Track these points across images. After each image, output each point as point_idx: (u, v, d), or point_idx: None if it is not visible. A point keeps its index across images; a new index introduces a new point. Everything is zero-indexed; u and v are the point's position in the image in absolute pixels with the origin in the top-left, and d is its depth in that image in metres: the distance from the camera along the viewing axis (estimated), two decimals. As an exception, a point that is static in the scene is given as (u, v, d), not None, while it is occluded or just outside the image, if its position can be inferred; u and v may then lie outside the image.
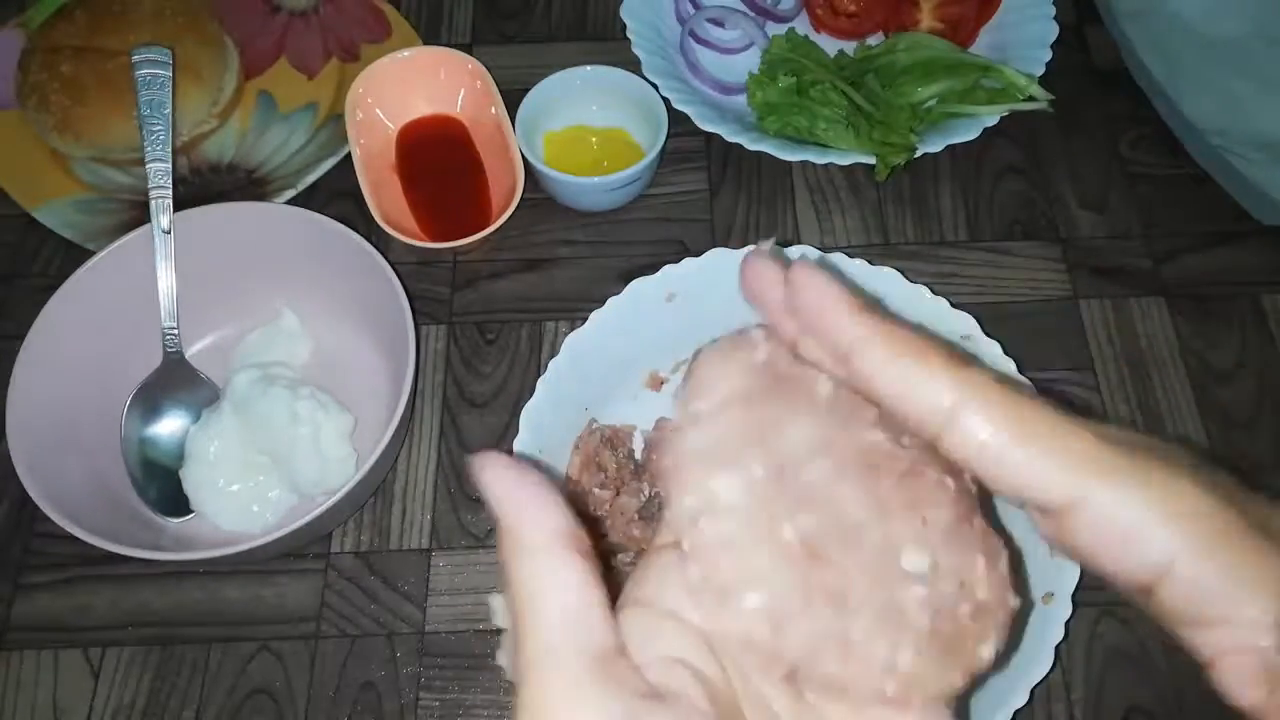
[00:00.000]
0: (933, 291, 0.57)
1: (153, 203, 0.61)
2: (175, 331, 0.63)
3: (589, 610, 0.24)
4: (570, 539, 0.24)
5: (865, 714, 0.24)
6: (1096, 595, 0.59)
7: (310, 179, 0.71)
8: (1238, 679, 0.23)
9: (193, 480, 0.60)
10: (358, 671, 0.57)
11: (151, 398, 0.62)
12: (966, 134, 0.70)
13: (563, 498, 0.25)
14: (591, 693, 0.22)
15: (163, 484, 0.60)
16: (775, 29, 0.79)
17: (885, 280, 0.58)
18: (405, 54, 0.72)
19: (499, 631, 0.58)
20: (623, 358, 0.60)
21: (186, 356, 0.64)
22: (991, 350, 0.56)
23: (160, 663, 0.58)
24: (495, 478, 0.24)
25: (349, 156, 0.69)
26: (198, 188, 0.73)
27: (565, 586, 0.24)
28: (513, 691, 0.23)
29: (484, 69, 0.72)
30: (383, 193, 0.69)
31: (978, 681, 0.25)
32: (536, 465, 0.26)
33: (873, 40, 0.78)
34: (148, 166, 0.62)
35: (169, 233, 0.61)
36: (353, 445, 0.61)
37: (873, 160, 0.69)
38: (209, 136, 0.75)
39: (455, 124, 0.74)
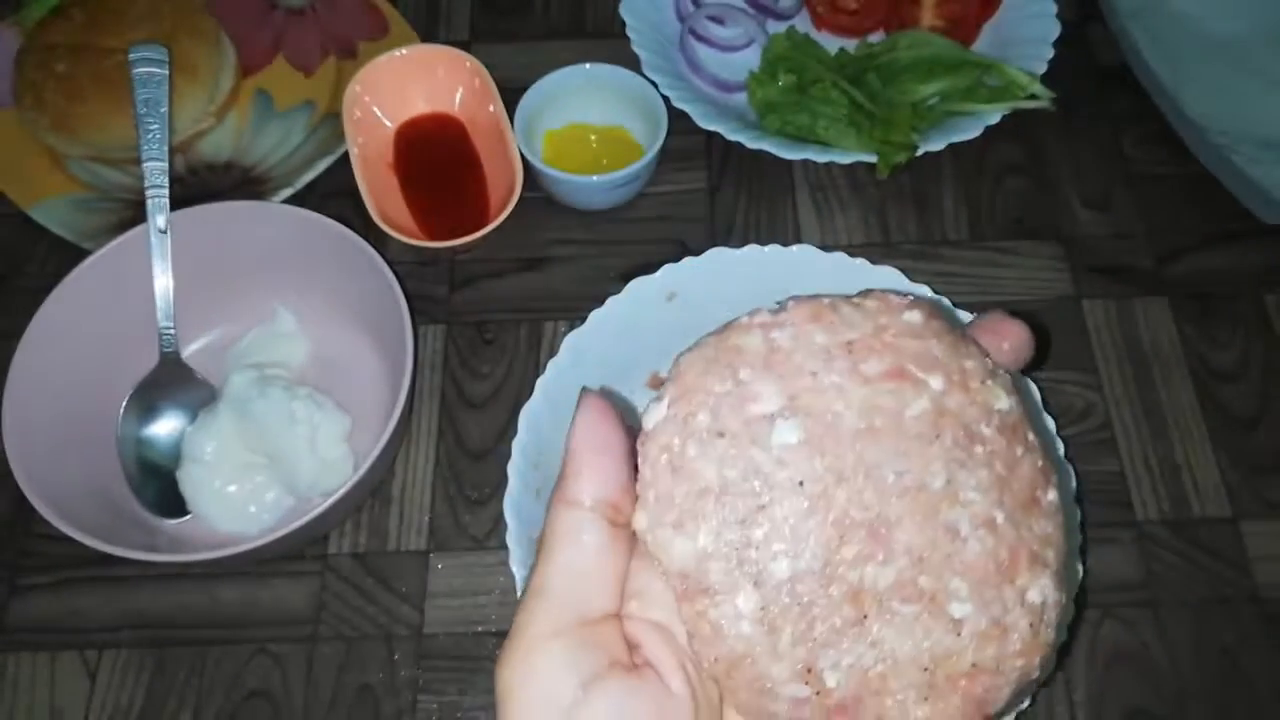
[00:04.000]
0: (934, 291, 0.57)
1: (149, 202, 0.61)
2: (172, 331, 0.62)
3: (595, 574, 0.25)
4: (611, 509, 0.26)
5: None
6: (1099, 597, 0.59)
7: (307, 178, 0.71)
8: None
9: (189, 481, 0.59)
10: (355, 674, 0.57)
11: (148, 398, 0.62)
12: (968, 132, 0.69)
13: (627, 463, 0.26)
14: (564, 642, 0.24)
15: (159, 485, 0.60)
16: (776, 27, 0.78)
17: (886, 279, 0.57)
18: (403, 52, 0.72)
19: (498, 633, 0.58)
20: (623, 358, 0.60)
21: (183, 356, 0.64)
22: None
23: (157, 665, 0.57)
24: (583, 426, 0.26)
25: (346, 155, 0.69)
26: (194, 186, 0.72)
27: (582, 546, 0.25)
28: None
29: (482, 67, 0.71)
30: (380, 191, 0.69)
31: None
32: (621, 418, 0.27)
33: (874, 38, 0.78)
34: (144, 165, 0.62)
35: (165, 232, 0.61)
36: (350, 446, 0.61)
37: (874, 159, 0.69)
38: (206, 135, 0.74)
39: (453, 122, 0.74)
